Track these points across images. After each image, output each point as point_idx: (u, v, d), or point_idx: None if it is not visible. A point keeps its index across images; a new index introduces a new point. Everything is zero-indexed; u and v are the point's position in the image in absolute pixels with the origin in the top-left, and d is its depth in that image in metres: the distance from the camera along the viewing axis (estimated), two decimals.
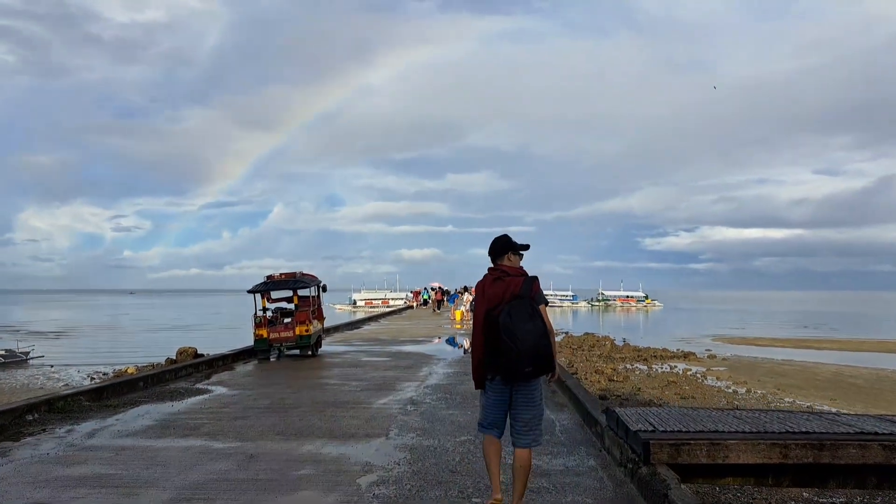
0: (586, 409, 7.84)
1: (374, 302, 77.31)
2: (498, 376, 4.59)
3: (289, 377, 13.06)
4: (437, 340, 22.25)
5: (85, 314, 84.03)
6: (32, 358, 28.27)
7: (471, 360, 4.79)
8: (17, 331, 47.26)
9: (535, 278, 4.73)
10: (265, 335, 15.94)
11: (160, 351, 26.96)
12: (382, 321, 34.45)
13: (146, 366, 20.58)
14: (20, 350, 29.04)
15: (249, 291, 16.58)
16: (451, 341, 21.98)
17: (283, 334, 16.09)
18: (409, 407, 9.23)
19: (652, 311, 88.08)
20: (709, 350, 31.16)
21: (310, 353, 16.54)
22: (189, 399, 10.11)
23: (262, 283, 16.71)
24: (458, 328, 28.87)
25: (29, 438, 7.17)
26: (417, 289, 71.74)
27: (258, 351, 16.13)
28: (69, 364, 27.23)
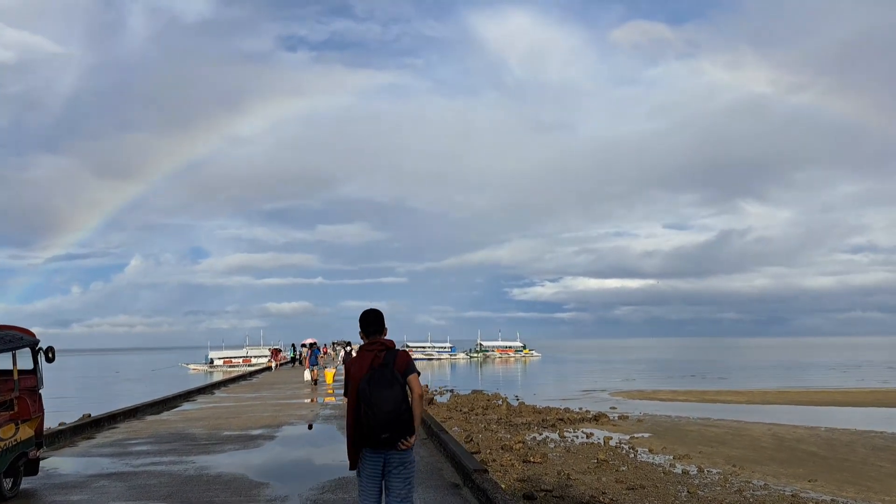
0: None
1: (233, 360, 69.37)
2: (366, 447, 4.57)
3: None
4: (285, 432, 13.79)
5: None
6: None
7: (346, 439, 4.76)
8: None
9: (405, 351, 4.75)
10: None
11: None
12: (218, 392, 25.24)
13: None
14: None
15: None
16: (308, 427, 14.42)
17: None
18: None
19: (531, 362, 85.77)
20: (614, 408, 27.71)
21: None
22: None
23: None
24: (329, 393, 23.51)
25: None
26: (276, 346, 64.93)
27: None
28: None
